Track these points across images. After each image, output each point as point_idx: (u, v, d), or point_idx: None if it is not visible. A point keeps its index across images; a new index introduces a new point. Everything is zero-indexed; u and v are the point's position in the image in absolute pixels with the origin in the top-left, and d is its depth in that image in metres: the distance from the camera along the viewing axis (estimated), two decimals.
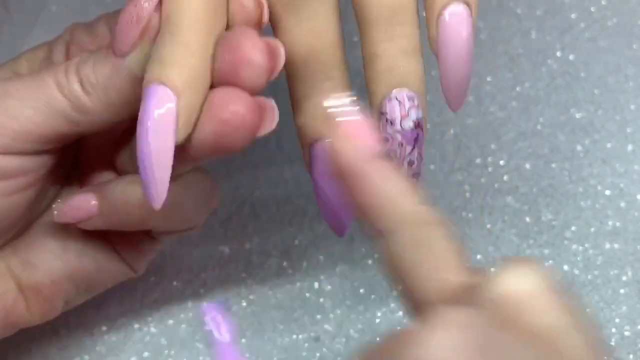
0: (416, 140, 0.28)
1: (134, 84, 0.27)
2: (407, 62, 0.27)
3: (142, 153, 0.26)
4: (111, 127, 0.30)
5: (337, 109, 0.25)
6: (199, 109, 0.26)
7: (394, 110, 0.27)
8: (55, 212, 0.31)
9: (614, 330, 0.36)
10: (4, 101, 0.28)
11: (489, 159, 0.41)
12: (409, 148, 0.28)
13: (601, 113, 0.42)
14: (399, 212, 0.23)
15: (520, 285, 0.21)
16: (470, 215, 0.39)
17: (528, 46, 0.44)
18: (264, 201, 0.40)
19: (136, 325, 0.37)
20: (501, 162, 0.41)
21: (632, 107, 0.42)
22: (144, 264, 0.34)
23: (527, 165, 0.40)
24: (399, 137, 0.27)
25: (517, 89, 0.42)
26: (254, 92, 0.27)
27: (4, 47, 0.44)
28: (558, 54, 0.43)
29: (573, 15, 0.44)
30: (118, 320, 0.37)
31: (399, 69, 0.27)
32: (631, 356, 0.35)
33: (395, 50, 0.27)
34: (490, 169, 0.40)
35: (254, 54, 0.26)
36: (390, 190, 0.23)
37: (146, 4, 0.27)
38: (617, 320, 0.36)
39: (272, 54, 0.27)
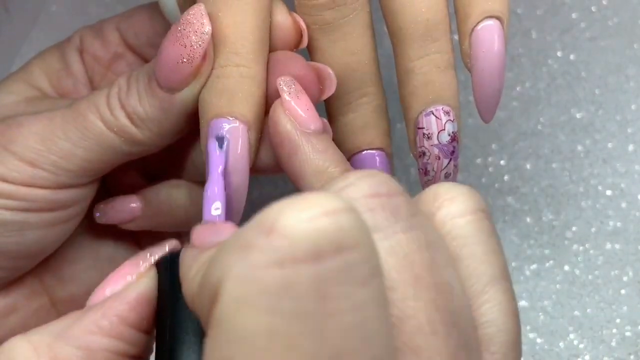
0: (452, 153, 0.28)
1: (187, 114, 0.27)
2: (442, 77, 0.28)
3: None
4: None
5: (287, 87, 0.26)
6: (261, 136, 0.27)
7: (431, 124, 0.28)
8: (98, 214, 0.31)
9: (614, 330, 0.36)
10: (55, 144, 0.28)
11: (490, 159, 0.41)
12: (445, 161, 0.28)
13: (602, 113, 0.42)
14: (318, 178, 0.25)
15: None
16: None
17: (528, 46, 0.43)
18: (264, 201, 0.40)
19: None
20: (502, 162, 0.41)
21: (633, 107, 0.42)
22: None
23: (528, 166, 0.40)
24: (436, 150, 0.28)
25: (518, 88, 0.42)
26: None
27: (4, 47, 0.43)
28: (559, 53, 0.43)
29: (574, 15, 0.44)
30: None
31: (434, 85, 0.28)
32: (632, 356, 0.35)
33: (430, 66, 0.28)
34: (490, 169, 0.40)
35: (304, 81, 0.27)
36: (315, 160, 0.25)
37: (197, 45, 0.26)
38: (618, 320, 0.36)
39: (321, 77, 0.28)
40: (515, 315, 0.22)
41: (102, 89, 0.29)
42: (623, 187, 0.40)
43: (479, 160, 0.41)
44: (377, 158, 0.29)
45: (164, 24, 0.31)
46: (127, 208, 0.31)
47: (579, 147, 0.41)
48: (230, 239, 0.18)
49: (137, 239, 0.33)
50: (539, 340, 0.36)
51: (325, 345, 0.16)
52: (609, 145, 0.41)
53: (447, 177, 0.28)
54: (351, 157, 0.29)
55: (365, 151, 0.29)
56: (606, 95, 0.42)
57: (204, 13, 0.26)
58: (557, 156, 0.41)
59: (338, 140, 0.29)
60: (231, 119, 0.26)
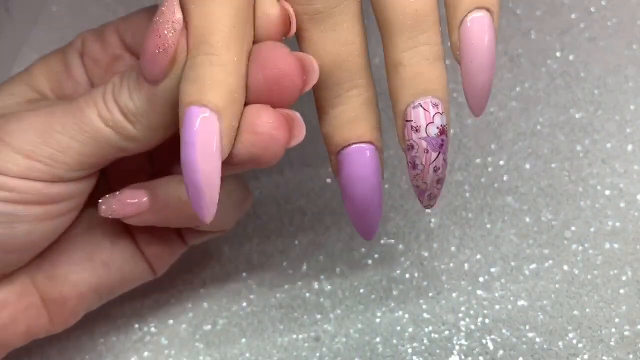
0: (441, 146, 0.28)
1: (173, 106, 0.28)
2: (430, 70, 0.27)
3: (191, 176, 0.26)
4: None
5: None
6: (237, 125, 0.27)
7: (419, 117, 0.27)
8: (103, 206, 0.31)
9: (613, 330, 0.36)
10: (52, 137, 0.28)
11: (489, 159, 0.41)
12: (434, 154, 0.28)
13: (601, 113, 0.42)
14: None
15: None
16: (470, 215, 0.39)
17: (528, 46, 0.44)
18: (264, 201, 0.40)
19: (136, 325, 0.37)
20: (501, 162, 0.41)
21: (632, 107, 0.42)
22: (166, 267, 0.34)
23: (527, 165, 0.40)
24: (424, 144, 0.27)
25: (517, 89, 0.43)
26: (285, 106, 0.28)
27: (4, 47, 0.44)
28: (558, 54, 0.43)
29: (573, 16, 0.44)
30: (118, 320, 0.37)
31: (422, 77, 0.27)
32: (631, 356, 0.35)
33: (418, 58, 0.27)
34: (490, 169, 0.41)
35: (287, 71, 0.27)
36: None
37: (170, 34, 0.26)
38: (616, 320, 0.36)
39: (305, 68, 0.27)
40: None
41: (100, 86, 0.29)
42: (622, 187, 0.40)
43: (478, 160, 0.41)
44: (366, 152, 0.29)
45: None
46: (134, 201, 0.30)
47: (578, 147, 0.41)
48: None
49: (135, 242, 0.33)
50: (537, 340, 0.36)
51: None
52: (608, 145, 0.41)
53: (436, 171, 0.28)
54: (340, 151, 0.29)
55: (354, 145, 0.29)
56: (605, 95, 0.42)
57: (175, 3, 0.26)
58: (556, 156, 0.41)
59: (327, 133, 0.29)
60: (202, 107, 0.26)
